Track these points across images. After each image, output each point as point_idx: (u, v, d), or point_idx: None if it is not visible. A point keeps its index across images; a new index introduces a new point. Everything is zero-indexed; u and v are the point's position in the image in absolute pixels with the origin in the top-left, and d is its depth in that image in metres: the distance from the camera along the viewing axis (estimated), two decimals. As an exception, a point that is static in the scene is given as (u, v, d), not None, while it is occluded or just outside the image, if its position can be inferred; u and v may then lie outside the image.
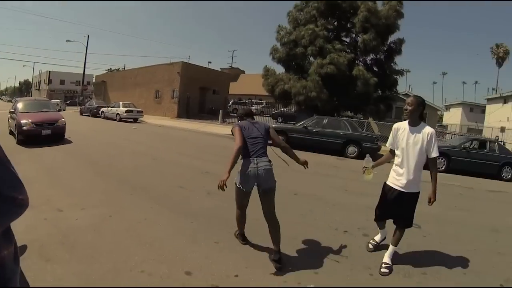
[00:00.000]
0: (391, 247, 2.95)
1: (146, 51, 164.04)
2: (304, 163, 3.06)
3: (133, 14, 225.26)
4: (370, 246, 3.29)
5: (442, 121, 40.22)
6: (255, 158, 2.76)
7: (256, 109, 26.32)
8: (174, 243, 3.10)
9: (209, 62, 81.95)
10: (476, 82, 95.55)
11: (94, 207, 4.00)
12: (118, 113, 19.56)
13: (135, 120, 19.69)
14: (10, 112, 10.84)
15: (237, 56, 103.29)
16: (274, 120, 20.62)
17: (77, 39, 35.00)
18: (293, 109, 20.60)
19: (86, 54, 31.58)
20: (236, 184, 2.83)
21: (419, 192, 2.86)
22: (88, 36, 31.58)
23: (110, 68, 54.98)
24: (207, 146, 10.82)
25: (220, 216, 3.91)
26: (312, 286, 2.49)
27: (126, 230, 3.35)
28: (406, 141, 2.80)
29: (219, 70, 38.39)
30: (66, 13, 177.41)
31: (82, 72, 32.91)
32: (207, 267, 2.66)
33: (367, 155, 3.18)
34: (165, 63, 26.22)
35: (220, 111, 20.05)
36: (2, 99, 68.16)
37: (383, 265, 2.84)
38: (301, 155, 3.14)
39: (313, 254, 3.06)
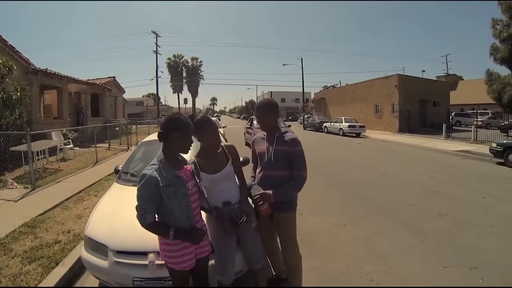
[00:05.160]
0: None
1: (359, 67, 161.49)
2: None
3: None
4: None
5: None
6: None
7: (481, 121, 19.26)
8: (404, 259, 3.18)
9: (423, 71, 73.98)
10: None
11: (330, 215, 4.67)
12: (341, 128, 20.91)
13: (358, 135, 20.28)
14: (246, 128, 13.93)
15: (451, 61, 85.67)
16: (504, 134, 14.80)
17: (292, 62, 40.88)
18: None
19: (302, 75, 36.03)
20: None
21: None
22: (302, 58, 36.07)
23: (326, 85, 62.12)
24: (433, 163, 9.71)
25: (450, 240, 3.68)
26: None
27: (360, 240, 3.75)
28: None
29: (435, 79, 36.11)
30: (280, 42, 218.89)
31: (302, 91, 37.36)
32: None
33: None
34: (381, 77, 26.09)
35: (444, 124, 17.45)
36: (232, 116, 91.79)
37: None
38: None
39: None
